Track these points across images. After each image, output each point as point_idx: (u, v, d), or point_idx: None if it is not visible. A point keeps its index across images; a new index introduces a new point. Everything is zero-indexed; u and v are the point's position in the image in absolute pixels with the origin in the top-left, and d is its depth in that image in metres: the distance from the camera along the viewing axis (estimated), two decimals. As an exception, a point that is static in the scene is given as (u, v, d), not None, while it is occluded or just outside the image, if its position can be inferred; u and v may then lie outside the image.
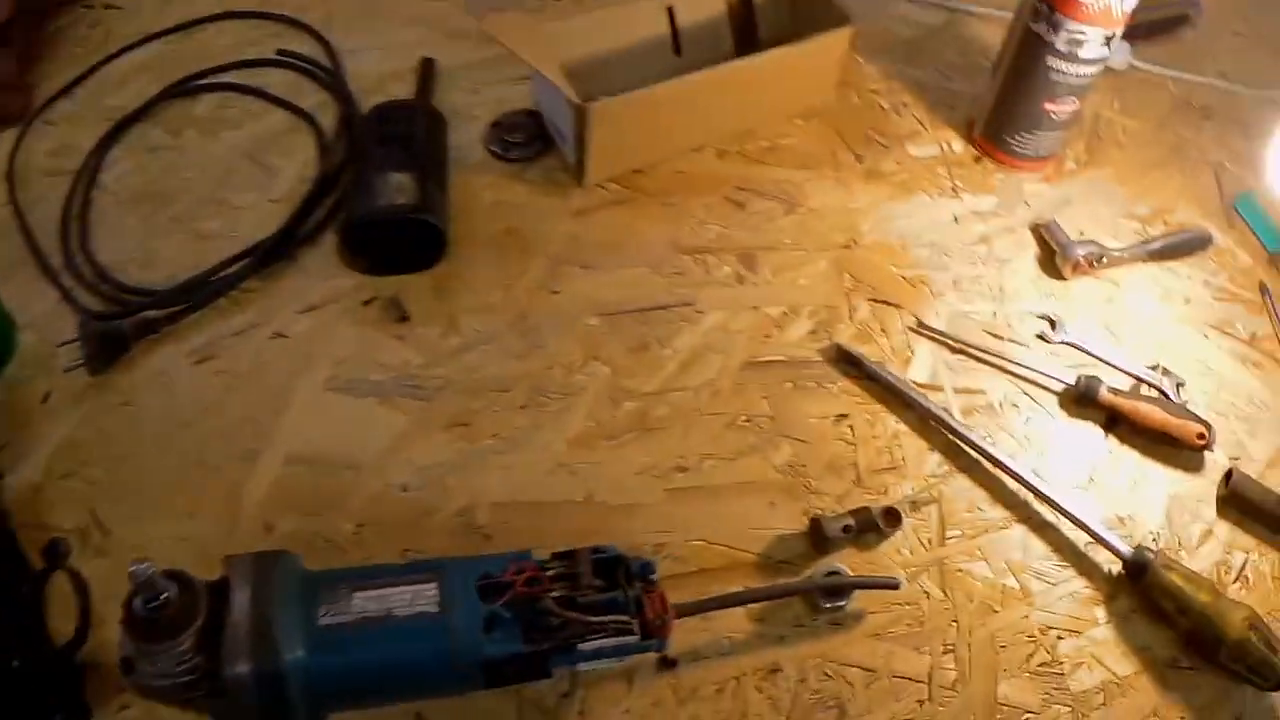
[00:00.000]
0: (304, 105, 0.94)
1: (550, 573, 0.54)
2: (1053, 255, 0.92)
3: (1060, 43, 0.88)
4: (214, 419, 0.74)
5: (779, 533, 0.74)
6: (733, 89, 0.93)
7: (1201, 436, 0.81)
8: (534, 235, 0.87)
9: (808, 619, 0.70)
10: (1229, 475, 0.81)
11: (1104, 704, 0.70)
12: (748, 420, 0.79)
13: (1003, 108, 0.96)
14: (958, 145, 1.01)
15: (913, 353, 0.86)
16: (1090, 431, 0.84)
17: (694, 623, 0.63)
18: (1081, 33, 0.87)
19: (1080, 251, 0.90)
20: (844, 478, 0.78)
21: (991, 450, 0.78)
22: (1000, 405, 0.84)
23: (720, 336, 0.84)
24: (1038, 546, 0.77)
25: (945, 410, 0.81)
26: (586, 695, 0.64)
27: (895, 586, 0.70)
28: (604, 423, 0.77)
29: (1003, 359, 0.85)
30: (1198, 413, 0.84)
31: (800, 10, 0.99)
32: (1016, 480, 0.77)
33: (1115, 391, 0.82)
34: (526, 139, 0.93)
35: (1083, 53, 0.88)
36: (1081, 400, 0.83)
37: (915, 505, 0.77)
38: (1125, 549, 0.74)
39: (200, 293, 0.79)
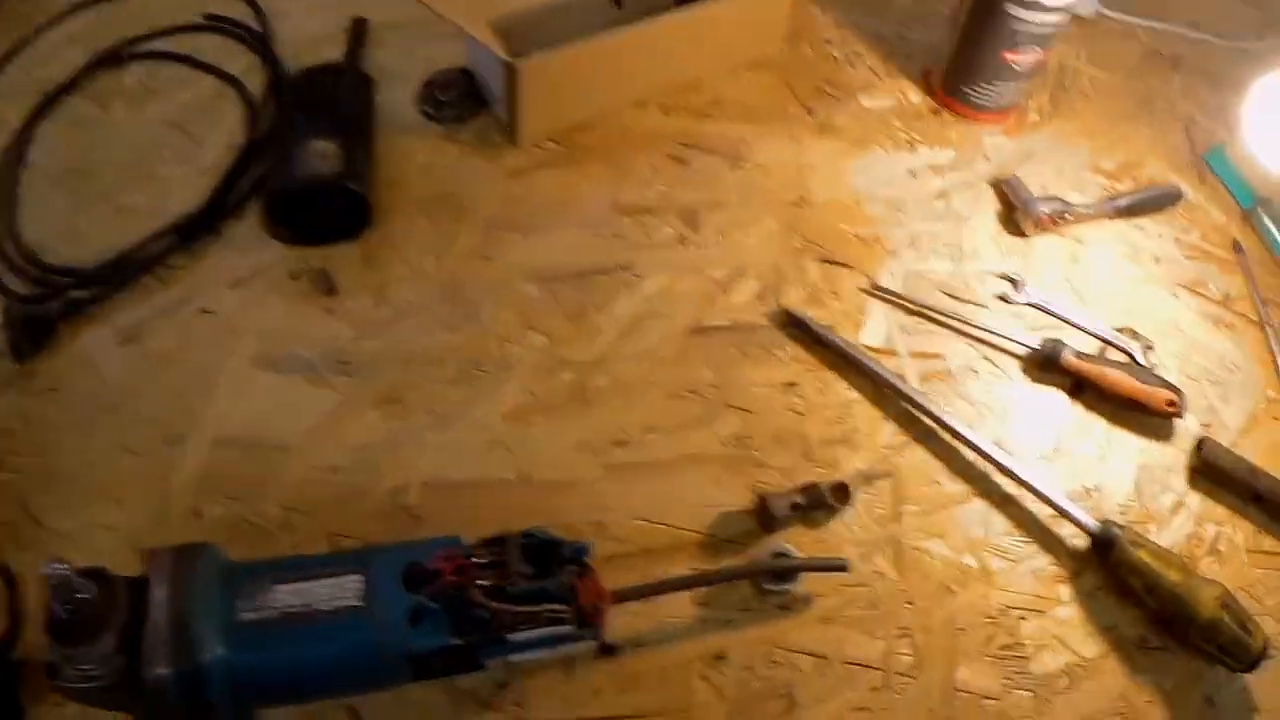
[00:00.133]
0: (232, 71, 0.91)
1: (479, 560, 0.54)
2: (1014, 212, 0.89)
3: (1021, -14, 0.85)
4: (142, 402, 0.72)
5: (724, 509, 0.72)
6: (675, 41, 0.89)
7: (1171, 404, 0.78)
8: (467, 199, 0.84)
9: (755, 602, 0.68)
10: (1201, 444, 0.79)
11: (1069, 687, 0.69)
12: (691, 390, 0.77)
13: (961, 57, 0.93)
14: (915, 97, 0.98)
15: (866, 316, 0.83)
16: (1055, 398, 0.81)
17: (635, 607, 0.62)
18: (1044, -24, 0.84)
19: (1043, 208, 0.87)
20: (793, 450, 0.75)
21: (949, 419, 0.75)
22: (959, 371, 0.81)
23: (662, 302, 0.81)
24: (998, 522, 0.75)
25: (900, 377, 0.78)
26: (523, 685, 0.63)
27: (844, 569, 0.67)
28: (540, 396, 0.75)
29: (962, 321, 0.82)
30: (1167, 378, 0.82)
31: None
32: (976, 451, 0.75)
33: (1080, 356, 0.80)
34: (460, 98, 0.90)
35: (1045, -1, 0.85)
36: (1045, 365, 0.81)
37: (868, 479, 0.75)
38: (1091, 523, 0.72)
39: (125, 271, 0.78)
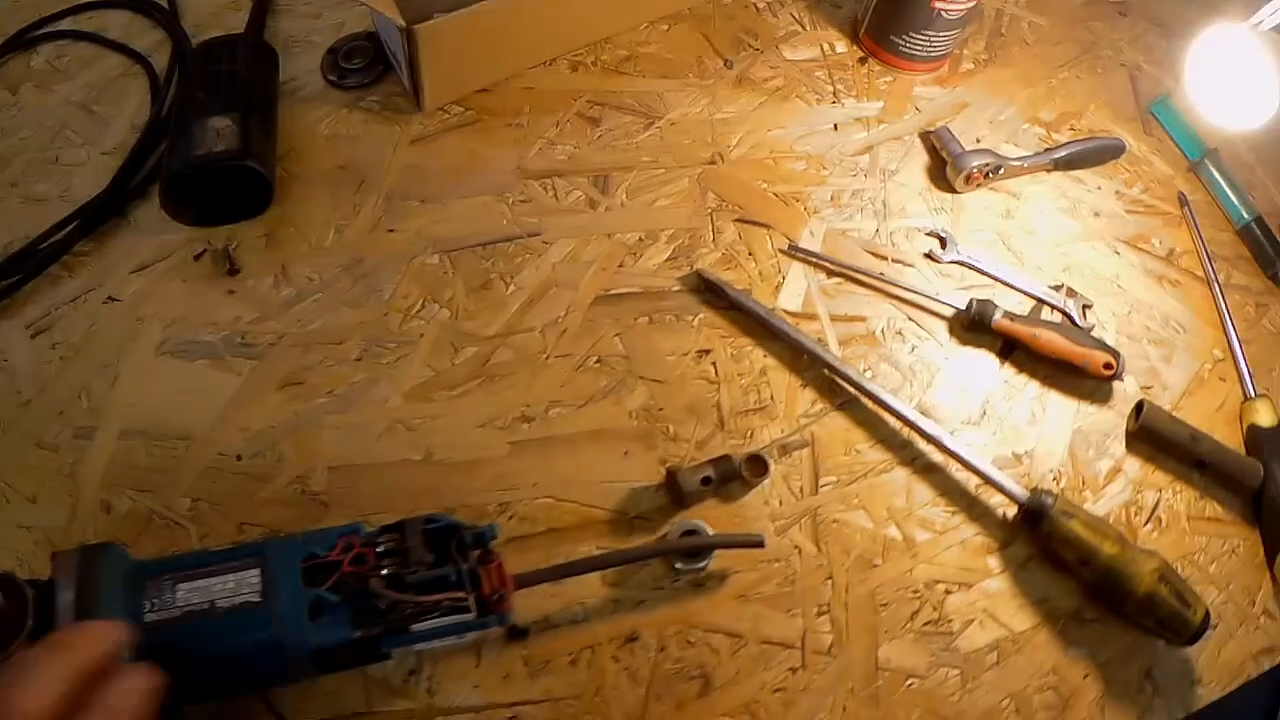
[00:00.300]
0: (140, 47, 0.89)
1: (379, 548, 0.54)
2: (944, 166, 0.87)
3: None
4: (51, 395, 0.70)
5: (634, 485, 0.70)
6: (582, -3, 0.87)
7: (1109, 366, 0.77)
8: (370, 169, 0.82)
9: (667, 581, 0.67)
10: (1139, 407, 0.77)
11: (998, 663, 0.68)
12: (598, 361, 0.75)
13: (888, 5, 0.91)
14: (841, 46, 0.96)
15: (784, 278, 0.81)
16: (984, 360, 0.80)
17: (544, 588, 0.61)
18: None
19: (974, 162, 0.85)
20: (706, 421, 0.73)
21: (869, 385, 0.74)
22: (883, 333, 0.80)
23: (569, 269, 0.79)
24: (923, 491, 0.73)
25: (819, 341, 0.76)
26: (434, 671, 0.62)
27: (760, 544, 0.66)
28: (443, 372, 0.73)
29: (886, 282, 0.81)
30: (1106, 338, 0.81)
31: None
32: (898, 418, 0.73)
33: (1012, 316, 0.78)
34: (366, 64, 0.88)
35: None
36: (974, 326, 0.79)
37: (785, 449, 0.73)
38: (1020, 492, 0.70)
39: (32, 263, 0.76)
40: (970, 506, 0.73)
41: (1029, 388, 0.79)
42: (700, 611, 0.66)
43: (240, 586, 0.51)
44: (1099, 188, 0.91)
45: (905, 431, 0.74)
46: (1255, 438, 0.79)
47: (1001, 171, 0.86)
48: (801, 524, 0.70)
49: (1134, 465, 0.77)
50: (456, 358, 0.74)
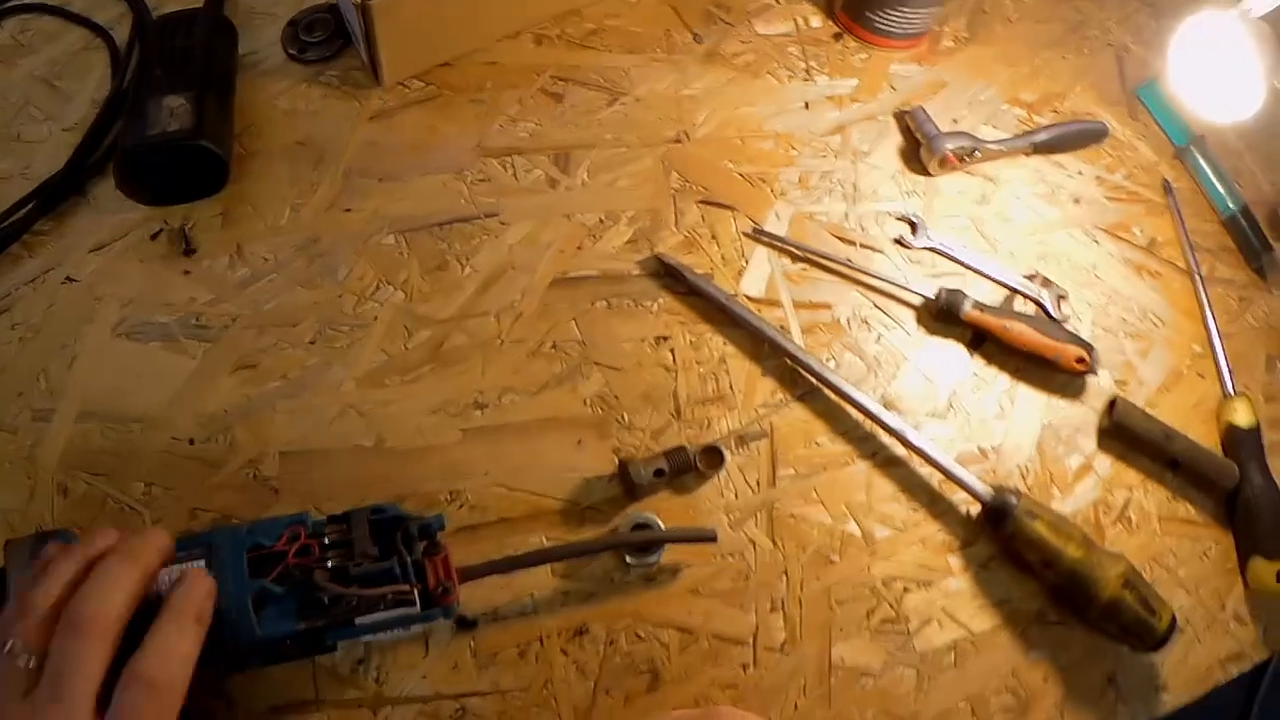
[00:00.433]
0: (101, 20, 0.88)
1: (325, 539, 0.55)
2: (918, 148, 0.86)
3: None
4: (11, 376, 0.70)
5: (587, 475, 0.70)
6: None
7: (1081, 361, 0.77)
8: (328, 145, 0.81)
9: (618, 574, 0.67)
10: (1112, 404, 0.77)
11: (955, 664, 0.68)
12: (554, 347, 0.75)
13: (867, -22, 0.90)
14: (816, 21, 0.95)
15: (747, 262, 0.80)
16: (952, 351, 0.80)
17: (494, 579, 0.61)
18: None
19: (949, 144, 0.84)
20: (662, 410, 0.73)
21: (830, 376, 0.73)
22: (848, 322, 0.79)
23: (526, 251, 0.78)
24: (884, 486, 0.73)
25: (781, 329, 0.76)
26: (382, 661, 0.63)
27: (712, 539, 0.66)
28: (396, 356, 0.73)
29: (853, 268, 0.80)
30: (1081, 330, 0.81)
31: None
32: (860, 411, 0.72)
33: (982, 307, 0.78)
34: (326, 37, 0.87)
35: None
36: (943, 316, 0.79)
37: (742, 440, 0.73)
38: (984, 490, 0.70)
39: None
40: (932, 503, 0.73)
41: (998, 380, 0.79)
42: (651, 605, 0.66)
43: None
44: (1080, 173, 0.91)
45: (868, 424, 0.74)
46: (1232, 438, 0.79)
47: (978, 155, 0.86)
48: (757, 517, 0.70)
49: (1105, 463, 0.77)
50: (410, 342, 0.73)
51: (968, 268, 0.82)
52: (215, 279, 0.74)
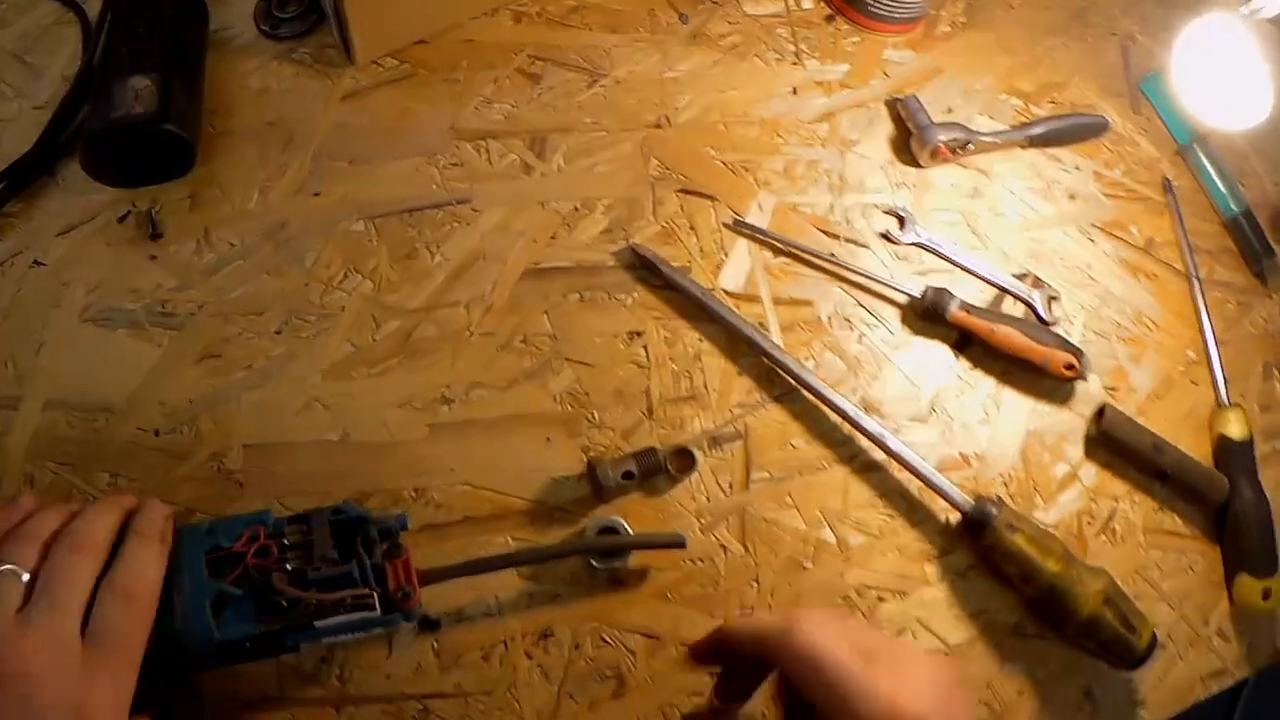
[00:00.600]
0: None
1: (285, 540, 0.56)
2: (909, 138, 0.85)
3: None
4: None
5: (555, 475, 0.70)
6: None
7: (1070, 367, 0.77)
8: (299, 126, 0.81)
9: (585, 576, 0.67)
10: (1101, 411, 0.77)
11: None
12: (524, 341, 0.74)
13: (861, -42, 0.89)
14: (808, 2, 0.95)
15: (726, 255, 0.80)
16: (937, 352, 0.80)
17: (458, 579, 0.61)
18: None
19: (941, 135, 0.83)
20: (633, 408, 0.73)
21: (808, 378, 0.73)
22: (829, 320, 0.79)
23: (498, 239, 0.78)
24: (861, 492, 0.73)
25: (760, 326, 0.76)
26: (346, 660, 0.63)
27: (681, 545, 0.66)
28: (363, 348, 0.73)
29: (836, 264, 0.80)
30: (1072, 332, 0.81)
31: None
32: (838, 413, 0.72)
33: (969, 308, 0.77)
34: (300, 13, 0.86)
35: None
36: (928, 316, 0.78)
37: (716, 441, 0.73)
38: (963, 500, 0.70)
39: None
40: (910, 510, 0.73)
41: (984, 384, 0.79)
42: (618, 609, 0.67)
43: None
44: (1077, 168, 0.90)
45: (846, 427, 0.74)
46: (1224, 449, 0.79)
47: (971, 147, 0.85)
48: (729, 521, 0.70)
49: (1090, 472, 0.77)
50: (378, 333, 0.73)
51: (956, 265, 0.82)
52: (182, 265, 0.74)
